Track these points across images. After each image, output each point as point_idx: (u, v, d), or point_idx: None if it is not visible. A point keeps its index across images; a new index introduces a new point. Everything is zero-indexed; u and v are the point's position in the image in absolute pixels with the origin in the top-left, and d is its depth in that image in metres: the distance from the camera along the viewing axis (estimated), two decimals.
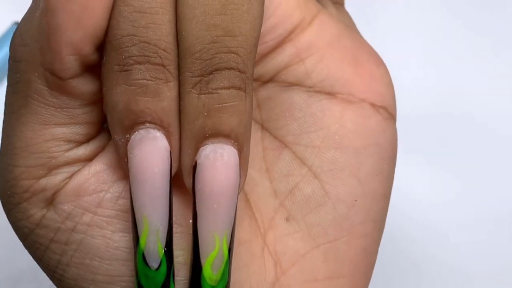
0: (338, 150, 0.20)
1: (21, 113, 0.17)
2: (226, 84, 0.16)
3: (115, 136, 0.17)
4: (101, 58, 0.17)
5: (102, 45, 0.17)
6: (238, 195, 0.17)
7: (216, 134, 0.16)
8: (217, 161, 0.16)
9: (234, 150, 0.17)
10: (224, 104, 0.16)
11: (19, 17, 0.34)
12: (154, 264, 0.17)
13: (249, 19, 0.16)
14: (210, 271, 0.17)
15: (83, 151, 0.18)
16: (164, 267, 0.17)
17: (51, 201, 0.18)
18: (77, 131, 0.18)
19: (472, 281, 0.34)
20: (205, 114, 0.16)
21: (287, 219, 0.20)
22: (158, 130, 0.16)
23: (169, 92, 0.16)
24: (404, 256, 0.32)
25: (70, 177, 0.18)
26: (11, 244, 0.31)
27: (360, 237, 0.20)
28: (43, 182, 0.18)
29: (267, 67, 0.20)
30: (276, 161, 0.20)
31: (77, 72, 0.17)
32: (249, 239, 0.19)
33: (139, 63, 0.16)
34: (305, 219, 0.20)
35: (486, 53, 0.40)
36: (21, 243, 0.31)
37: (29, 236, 0.18)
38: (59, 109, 0.17)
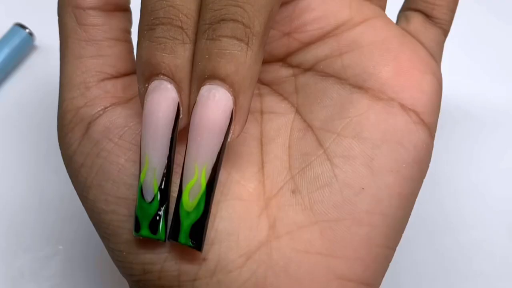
0: (355, 139, 0.21)
1: (64, 54, 0.21)
2: (228, 33, 0.18)
3: (139, 85, 0.20)
4: (116, 1, 0.21)
5: None
6: (226, 138, 0.19)
7: (213, 77, 0.18)
8: (209, 99, 0.18)
9: (228, 94, 0.18)
10: (223, 50, 0.18)
11: (20, 19, 0.35)
12: (148, 198, 0.19)
13: None
14: (188, 197, 0.19)
15: (112, 85, 0.21)
16: (156, 202, 0.19)
17: (87, 130, 0.21)
18: (105, 62, 0.21)
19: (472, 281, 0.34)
20: (207, 57, 0.18)
21: (293, 192, 0.21)
22: (170, 82, 0.19)
23: (184, 52, 0.19)
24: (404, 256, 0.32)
25: (104, 110, 0.21)
26: (11, 244, 0.31)
27: (365, 226, 0.20)
28: (82, 112, 0.21)
29: (308, 55, 0.23)
30: (299, 141, 0.22)
31: (96, 3, 0.21)
32: (249, 199, 0.21)
33: (163, 24, 0.19)
34: (310, 195, 0.21)
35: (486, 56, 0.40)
36: (21, 243, 0.32)
37: (69, 163, 0.21)
38: (89, 42, 0.21)
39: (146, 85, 0.19)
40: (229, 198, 0.20)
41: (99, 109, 0.21)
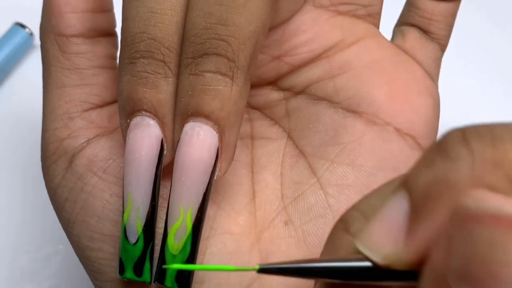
0: (350, 166, 0.20)
1: (47, 82, 0.21)
2: (212, 68, 0.17)
3: (120, 120, 0.19)
4: (104, 25, 0.21)
5: (104, 11, 0.20)
6: (212, 176, 0.18)
7: (197, 113, 0.18)
8: (193, 137, 0.18)
9: (213, 131, 0.18)
10: (207, 86, 0.17)
11: (20, 18, 0.35)
12: (132, 239, 0.18)
13: (244, 13, 0.17)
14: (173, 240, 0.18)
15: (97, 114, 0.20)
16: (141, 243, 0.18)
17: (70, 163, 0.20)
18: (89, 91, 0.20)
19: None
20: (190, 93, 0.18)
21: (285, 223, 0.20)
22: (153, 118, 0.18)
23: (167, 86, 0.18)
24: None
25: (88, 142, 0.20)
26: (11, 244, 0.31)
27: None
28: (65, 144, 0.20)
29: (300, 78, 0.22)
30: (291, 168, 0.21)
31: (80, 30, 0.20)
32: (240, 232, 0.20)
33: (144, 57, 0.18)
34: (303, 227, 0.20)
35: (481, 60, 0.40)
36: (21, 243, 0.31)
37: (53, 196, 0.21)
38: (72, 71, 0.20)
39: (128, 121, 0.18)
40: (218, 233, 0.19)
41: (82, 141, 0.20)
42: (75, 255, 0.31)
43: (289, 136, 0.22)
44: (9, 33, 0.35)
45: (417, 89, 0.21)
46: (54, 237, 0.31)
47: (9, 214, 0.33)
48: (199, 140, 0.17)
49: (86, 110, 0.20)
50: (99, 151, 0.20)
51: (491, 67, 0.39)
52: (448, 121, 0.36)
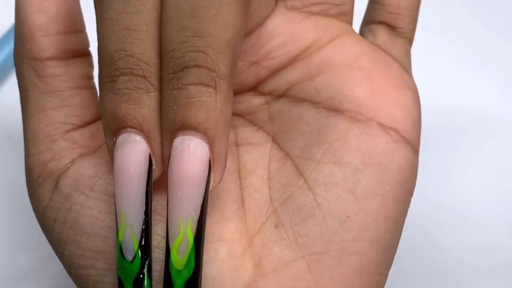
0: (336, 165, 0.20)
1: (26, 107, 0.21)
2: (194, 80, 0.17)
3: (106, 139, 0.19)
4: (78, 45, 0.21)
5: (76, 32, 0.21)
6: (207, 187, 0.18)
7: (185, 127, 0.18)
8: (184, 151, 0.18)
9: (203, 143, 0.18)
10: (192, 99, 0.17)
11: None
12: (129, 256, 0.18)
13: (218, 22, 0.17)
14: (176, 255, 0.18)
15: (79, 135, 0.21)
16: (138, 260, 0.18)
17: (56, 184, 0.20)
18: (69, 113, 0.21)
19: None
20: (175, 107, 0.18)
21: (276, 226, 0.20)
22: (139, 134, 0.18)
23: (150, 101, 0.18)
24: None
25: (72, 162, 0.20)
26: (12, 244, 0.31)
27: (353, 255, 0.20)
28: (50, 166, 0.20)
29: (279, 82, 0.22)
30: (278, 171, 0.21)
31: (54, 53, 0.20)
32: (232, 239, 0.20)
33: (124, 74, 0.18)
34: (294, 228, 0.20)
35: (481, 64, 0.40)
36: (21, 243, 0.32)
37: (42, 219, 0.21)
38: (50, 94, 0.20)
39: (114, 139, 0.18)
40: (209, 241, 0.20)
41: (67, 161, 0.20)
42: None
43: (274, 140, 0.22)
44: (9, 34, 0.35)
45: (396, 83, 0.21)
46: None
47: (9, 214, 0.33)
48: (191, 154, 0.17)
49: (68, 131, 0.20)
50: (84, 170, 0.20)
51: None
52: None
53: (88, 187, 0.20)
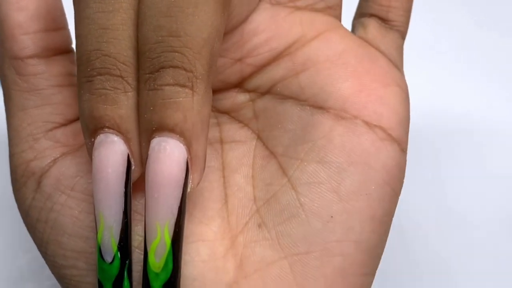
0: (320, 164, 0.20)
1: (8, 106, 0.21)
2: (170, 81, 0.17)
3: (85, 139, 0.19)
4: (59, 43, 0.20)
5: (57, 29, 0.20)
6: (185, 189, 0.18)
7: (161, 128, 0.17)
8: (160, 153, 0.17)
9: (180, 144, 0.17)
10: (168, 100, 0.17)
11: None
12: (108, 258, 0.18)
13: (195, 21, 0.17)
14: (154, 258, 0.18)
15: (61, 133, 0.20)
16: (117, 262, 0.18)
17: (38, 183, 0.20)
18: (51, 111, 0.20)
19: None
20: (151, 108, 0.17)
21: (259, 226, 0.20)
22: (116, 135, 0.18)
23: (127, 101, 0.18)
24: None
25: (54, 161, 0.20)
26: (11, 244, 0.31)
27: (337, 256, 0.19)
28: (33, 165, 0.20)
29: (264, 78, 0.21)
30: (263, 170, 0.21)
31: (34, 51, 0.20)
32: (213, 239, 0.20)
33: (101, 74, 0.17)
34: (276, 228, 0.20)
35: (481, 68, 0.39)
36: (21, 243, 0.32)
37: (25, 218, 0.21)
38: (32, 92, 0.20)
39: (92, 139, 0.18)
40: (191, 241, 0.19)
41: (49, 161, 0.20)
42: None
43: (259, 138, 0.22)
44: None
45: (383, 79, 0.21)
46: None
47: (9, 214, 0.33)
48: (167, 155, 0.17)
49: (50, 130, 0.20)
50: (66, 169, 0.20)
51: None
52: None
53: (69, 186, 0.20)
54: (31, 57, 0.20)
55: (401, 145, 0.21)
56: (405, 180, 0.21)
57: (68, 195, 0.20)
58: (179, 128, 0.17)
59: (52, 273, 0.21)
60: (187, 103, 0.17)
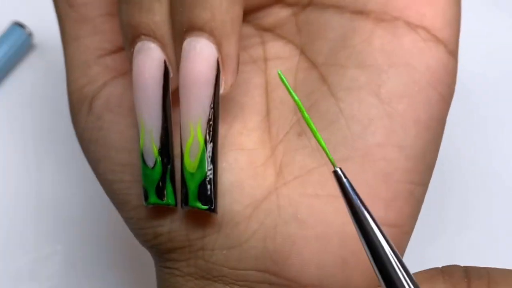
0: (359, 68, 0.19)
1: (63, 37, 0.22)
2: None
3: (126, 50, 0.19)
4: None
5: None
6: (217, 89, 0.18)
7: (191, 28, 0.18)
8: (190, 52, 0.18)
9: (210, 43, 0.18)
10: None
11: (19, 17, 0.34)
12: (150, 163, 0.19)
13: None
14: (189, 158, 0.18)
15: (111, 60, 0.21)
16: (159, 166, 0.19)
17: (90, 106, 0.21)
18: (102, 38, 0.21)
19: None
20: (181, 9, 0.18)
21: (299, 135, 0.20)
22: (153, 42, 0.18)
23: (161, 7, 0.18)
24: None
25: (104, 84, 0.21)
26: (11, 244, 0.31)
27: (379, 160, 0.19)
28: (85, 90, 0.21)
29: None
30: (305, 81, 0.21)
31: None
32: (253, 148, 0.20)
33: None
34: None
35: None
36: (20, 244, 0.31)
37: (81, 142, 0.21)
38: (82, 22, 0.21)
39: (132, 49, 0.19)
40: (228, 150, 0.19)
41: (100, 84, 0.21)
42: (74, 255, 0.31)
43: (302, 52, 0.21)
44: (8, 33, 0.34)
45: None
46: (54, 238, 0.32)
47: (8, 214, 0.33)
48: (196, 54, 0.18)
49: (102, 56, 0.21)
50: (114, 89, 0.21)
51: None
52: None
53: (116, 104, 0.20)
54: None
55: (449, 46, 0.19)
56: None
57: (115, 113, 0.20)
58: (208, 26, 0.17)
59: (105, 192, 0.21)
60: (214, 1, 0.17)
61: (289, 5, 0.22)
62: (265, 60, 0.22)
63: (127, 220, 0.21)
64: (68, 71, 0.21)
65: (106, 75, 0.21)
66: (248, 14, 0.22)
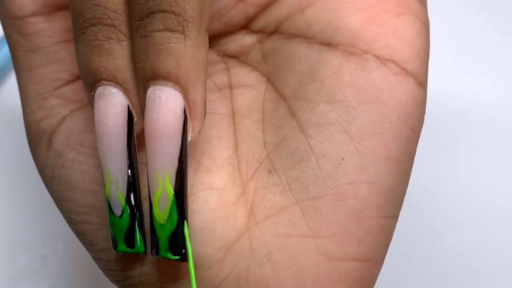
0: (329, 104, 0.19)
1: (16, 68, 0.20)
2: (160, 26, 0.17)
3: (86, 93, 0.18)
4: (55, 0, 0.20)
5: None
6: (184, 138, 0.17)
7: (155, 77, 0.17)
8: (155, 102, 0.17)
9: (175, 92, 0.17)
10: (159, 46, 0.17)
11: None
12: (117, 211, 0.18)
13: None
14: (158, 209, 0.18)
15: (69, 90, 0.20)
16: (127, 215, 0.18)
17: (50, 141, 0.20)
18: (57, 68, 0.20)
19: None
20: (144, 56, 0.17)
21: (269, 171, 0.19)
22: (114, 86, 0.18)
23: (122, 50, 0.17)
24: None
25: (63, 119, 0.20)
26: (11, 244, 0.31)
27: (350, 199, 0.18)
28: (43, 124, 0.20)
29: (269, 17, 0.20)
30: (272, 113, 0.20)
31: (34, 9, 0.20)
32: (223, 187, 0.19)
33: (93, 25, 0.17)
34: (287, 173, 0.19)
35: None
36: (20, 243, 0.31)
37: (42, 177, 0.21)
38: (36, 51, 0.20)
39: (92, 93, 0.18)
40: (199, 190, 0.19)
41: (58, 118, 0.20)
42: (74, 254, 0.31)
43: (269, 80, 0.21)
44: None
45: (395, 9, 0.19)
46: (53, 237, 0.32)
47: (8, 214, 0.33)
48: (162, 104, 0.17)
49: (58, 88, 0.20)
50: (74, 125, 0.20)
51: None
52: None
53: (78, 142, 0.20)
54: (31, 15, 0.20)
55: (418, 78, 0.19)
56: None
57: (77, 151, 0.20)
58: (173, 75, 0.17)
59: (72, 230, 0.21)
60: (179, 48, 0.17)
61: (254, 32, 0.21)
62: (231, 87, 0.21)
63: (96, 260, 0.20)
64: (24, 103, 0.20)
65: (65, 108, 0.20)
66: (211, 40, 0.21)
